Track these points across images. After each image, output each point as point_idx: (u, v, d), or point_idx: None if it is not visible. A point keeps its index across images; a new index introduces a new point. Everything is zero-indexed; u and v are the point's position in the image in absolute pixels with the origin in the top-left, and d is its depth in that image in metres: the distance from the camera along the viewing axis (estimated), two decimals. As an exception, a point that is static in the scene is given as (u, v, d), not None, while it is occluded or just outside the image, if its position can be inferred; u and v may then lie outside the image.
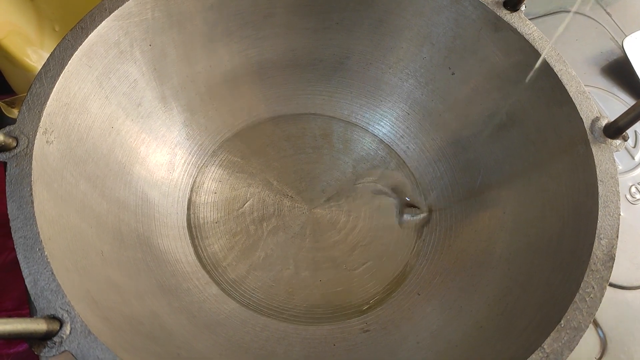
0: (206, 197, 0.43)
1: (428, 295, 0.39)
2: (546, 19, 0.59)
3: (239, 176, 0.45)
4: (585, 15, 0.61)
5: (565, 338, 0.28)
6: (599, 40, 0.60)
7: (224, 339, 0.36)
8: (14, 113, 0.47)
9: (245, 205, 0.43)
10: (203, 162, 0.45)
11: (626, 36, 0.58)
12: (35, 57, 0.47)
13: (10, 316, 0.45)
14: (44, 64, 0.31)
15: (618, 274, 0.45)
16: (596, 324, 0.43)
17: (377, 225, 0.43)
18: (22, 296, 0.46)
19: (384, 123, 0.47)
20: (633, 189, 0.50)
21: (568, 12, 0.60)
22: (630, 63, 0.56)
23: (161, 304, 0.35)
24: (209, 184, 0.44)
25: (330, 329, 0.39)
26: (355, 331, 0.39)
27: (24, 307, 0.45)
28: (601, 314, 0.43)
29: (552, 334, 0.28)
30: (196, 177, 0.44)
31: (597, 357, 0.42)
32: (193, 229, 0.42)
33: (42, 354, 0.24)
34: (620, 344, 0.42)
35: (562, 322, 0.28)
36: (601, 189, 0.32)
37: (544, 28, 0.38)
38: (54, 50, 0.32)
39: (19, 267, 0.26)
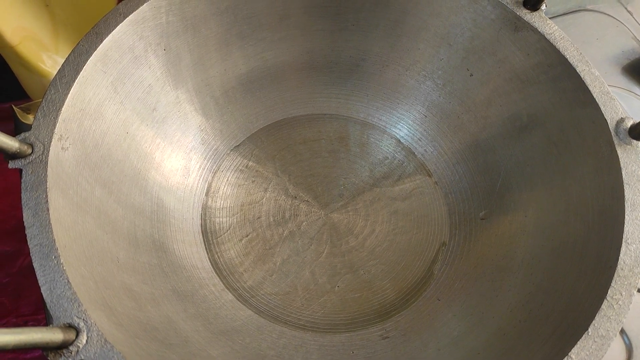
0: (222, 202, 0.43)
1: (448, 301, 0.39)
2: (565, 18, 0.58)
3: (255, 181, 0.44)
4: (605, 13, 0.60)
5: (592, 347, 0.27)
6: (619, 39, 0.58)
7: (241, 346, 0.35)
8: (30, 119, 0.47)
9: (262, 210, 0.43)
10: (218, 166, 0.44)
11: (648, 34, 0.57)
12: (50, 63, 0.47)
13: (26, 321, 0.46)
14: (59, 70, 0.31)
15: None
16: (621, 330, 0.41)
17: (395, 230, 0.43)
18: (39, 301, 0.46)
19: (401, 126, 0.47)
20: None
21: (588, 10, 0.59)
22: (652, 62, 0.55)
23: (177, 309, 0.35)
24: (225, 188, 0.43)
25: (349, 336, 0.38)
26: (375, 338, 0.38)
27: (40, 312, 0.45)
28: (626, 319, 0.42)
29: (578, 342, 0.27)
30: (211, 182, 0.43)
31: (623, 364, 0.41)
32: (209, 234, 0.41)
33: (58, 364, 0.24)
34: (646, 351, 0.41)
35: (589, 330, 0.27)
36: (627, 192, 0.31)
37: (563, 27, 0.37)
38: (68, 56, 0.32)
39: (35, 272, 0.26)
